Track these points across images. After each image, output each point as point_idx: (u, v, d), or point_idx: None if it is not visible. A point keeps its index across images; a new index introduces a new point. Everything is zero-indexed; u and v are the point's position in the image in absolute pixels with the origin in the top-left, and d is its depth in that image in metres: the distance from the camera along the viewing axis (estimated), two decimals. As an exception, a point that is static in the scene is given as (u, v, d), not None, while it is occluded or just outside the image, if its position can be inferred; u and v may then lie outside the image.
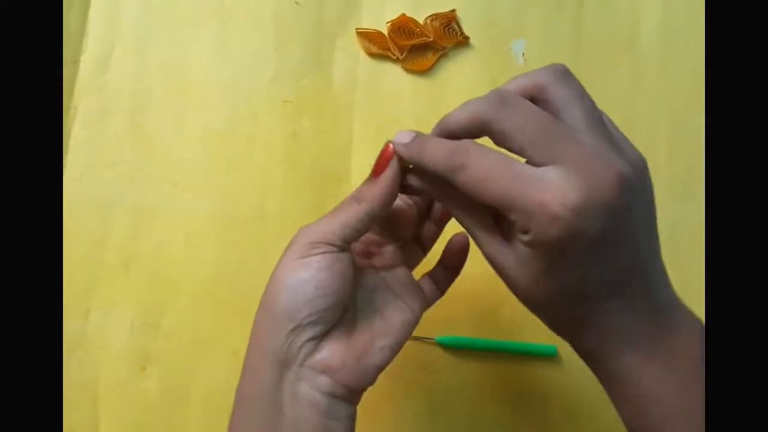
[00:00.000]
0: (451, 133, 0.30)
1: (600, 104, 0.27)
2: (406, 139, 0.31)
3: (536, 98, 0.29)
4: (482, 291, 0.48)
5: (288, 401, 0.30)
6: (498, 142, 0.28)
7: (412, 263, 0.39)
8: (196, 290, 0.48)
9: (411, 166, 0.32)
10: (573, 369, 0.47)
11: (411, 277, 0.36)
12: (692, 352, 0.28)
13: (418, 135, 0.31)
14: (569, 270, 0.27)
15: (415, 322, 0.35)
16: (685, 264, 0.45)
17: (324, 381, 0.31)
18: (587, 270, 0.27)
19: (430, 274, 0.38)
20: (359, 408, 0.33)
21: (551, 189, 0.26)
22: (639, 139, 0.50)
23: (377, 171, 0.32)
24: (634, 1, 0.53)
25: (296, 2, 0.53)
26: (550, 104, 0.28)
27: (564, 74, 0.29)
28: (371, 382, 0.33)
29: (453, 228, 0.36)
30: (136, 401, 0.46)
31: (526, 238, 0.27)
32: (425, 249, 0.39)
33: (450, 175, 0.28)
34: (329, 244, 0.31)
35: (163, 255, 0.48)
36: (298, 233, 0.32)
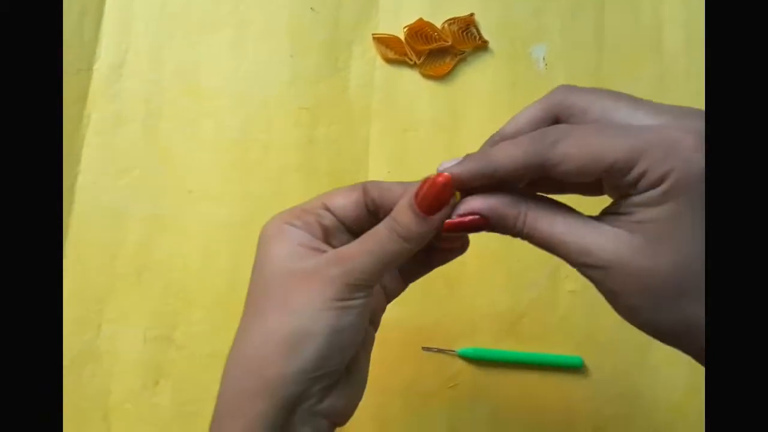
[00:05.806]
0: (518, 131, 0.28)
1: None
2: (454, 161, 0.27)
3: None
4: (505, 301, 0.47)
5: None
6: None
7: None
8: (211, 301, 0.47)
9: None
10: (599, 381, 0.46)
11: (383, 299, 0.32)
12: None
13: (468, 155, 0.28)
14: (700, 223, 0.24)
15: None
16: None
17: (324, 424, 0.29)
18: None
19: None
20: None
21: (674, 128, 0.24)
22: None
23: (430, 209, 0.27)
24: (657, 2, 0.52)
25: (311, 8, 0.52)
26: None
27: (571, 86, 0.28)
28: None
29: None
30: (148, 415, 0.45)
31: (663, 187, 0.24)
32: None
33: (544, 154, 0.25)
34: (370, 286, 0.28)
35: (177, 265, 0.47)
36: (334, 269, 0.27)
